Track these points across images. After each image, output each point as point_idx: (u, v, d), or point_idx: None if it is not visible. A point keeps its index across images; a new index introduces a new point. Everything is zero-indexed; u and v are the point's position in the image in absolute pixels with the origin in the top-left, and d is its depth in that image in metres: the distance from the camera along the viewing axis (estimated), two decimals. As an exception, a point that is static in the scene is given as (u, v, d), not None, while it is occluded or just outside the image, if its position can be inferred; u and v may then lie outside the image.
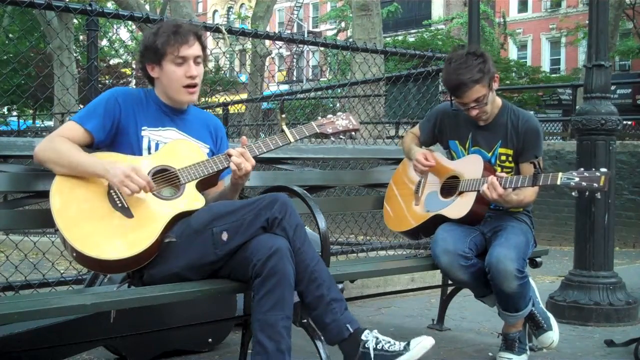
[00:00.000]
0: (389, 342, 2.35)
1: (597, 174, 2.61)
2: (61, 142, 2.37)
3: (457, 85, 2.88)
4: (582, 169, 2.68)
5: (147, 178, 2.32)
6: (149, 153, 2.47)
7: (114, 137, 2.47)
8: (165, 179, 2.42)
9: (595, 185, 2.60)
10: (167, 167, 2.43)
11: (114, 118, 2.45)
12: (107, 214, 2.29)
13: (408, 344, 2.33)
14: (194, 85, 2.52)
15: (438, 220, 3.01)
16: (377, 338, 2.35)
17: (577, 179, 2.63)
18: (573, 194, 2.69)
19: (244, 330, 2.76)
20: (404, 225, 3.18)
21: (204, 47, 2.56)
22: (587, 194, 2.65)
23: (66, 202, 2.28)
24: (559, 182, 2.67)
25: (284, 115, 2.66)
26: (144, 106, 2.53)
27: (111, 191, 2.33)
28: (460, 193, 2.96)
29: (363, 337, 2.35)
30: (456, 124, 3.11)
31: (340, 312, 2.35)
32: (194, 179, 2.43)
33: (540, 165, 2.86)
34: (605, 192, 2.65)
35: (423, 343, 2.33)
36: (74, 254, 2.24)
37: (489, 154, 3.03)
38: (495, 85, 2.96)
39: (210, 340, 3.19)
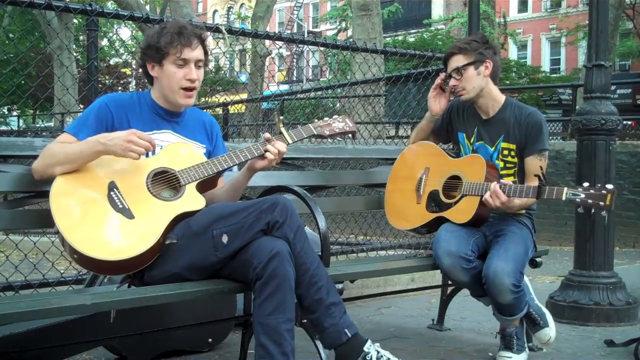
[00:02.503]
0: (390, 358, 2.37)
1: (603, 191, 2.58)
2: (53, 146, 2.37)
3: (446, 54, 3.13)
4: (587, 184, 2.65)
5: (148, 137, 2.32)
6: (147, 157, 2.46)
7: None
8: (165, 181, 2.42)
9: (602, 204, 2.58)
10: (166, 169, 2.43)
11: (107, 126, 2.44)
12: (107, 215, 2.29)
13: None
14: (192, 89, 2.52)
15: (441, 220, 3.01)
16: (379, 352, 2.37)
17: (582, 196, 2.61)
18: (579, 209, 2.67)
19: (244, 330, 2.76)
20: (407, 224, 3.19)
21: (206, 52, 2.56)
22: (593, 211, 2.63)
23: (66, 204, 2.28)
24: (564, 198, 2.65)
25: (281, 117, 2.68)
26: (137, 111, 2.52)
27: (111, 192, 2.33)
28: (463, 196, 2.96)
29: (365, 349, 2.35)
30: (465, 117, 3.16)
31: (339, 317, 2.36)
32: (194, 180, 2.43)
33: (543, 169, 2.85)
34: (611, 211, 2.62)
35: None
36: (75, 256, 2.24)
37: (492, 149, 3.05)
38: (486, 72, 3.02)
39: (210, 340, 3.19)
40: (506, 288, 2.77)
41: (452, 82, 3.06)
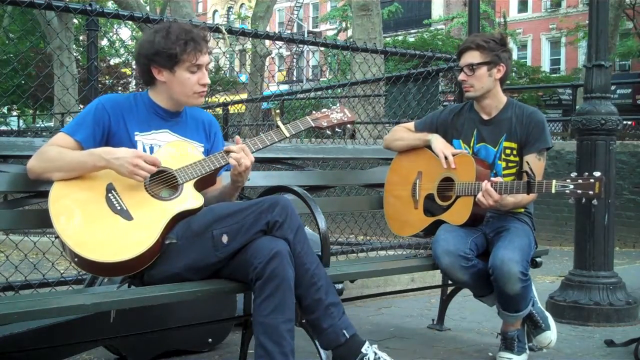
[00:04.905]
0: None
1: (591, 180, 2.59)
2: (52, 149, 2.36)
3: (461, 46, 3.10)
4: (575, 174, 2.66)
5: (152, 159, 2.32)
6: None
7: (106, 145, 2.44)
8: (163, 180, 2.42)
9: (591, 192, 2.59)
10: (164, 168, 2.42)
11: (104, 127, 2.44)
12: (106, 217, 2.28)
13: None
14: (204, 91, 2.53)
15: (440, 223, 3.01)
16: (376, 354, 2.36)
17: (571, 187, 2.62)
18: (570, 201, 2.68)
19: (244, 330, 2.76)
20: (407, 231, 3.22)
21: (210, 52, 2.56)
22: (583, 201, 2.64)
23: (65, 207, 2.28)
24: (553, 191, 2.66)
25: (278, 111, 2.66)
26: (134, 111, 2.51)
27: (109, 194, 2.33)
28: (457, 197, 2.96)
29: (363, 350, 2.35)
30: (460, 124, 3.14)
31: (338, 317, 2.36)
32: (192, 178, 2.43)
33: (540, 168, 2.85)
34: (601, 198, 2.63)
35: None
36: (76, 259, 2.23)
37: (495, 149, 3.05)
38: (497, 75, 3.02)
39: (210, 340, 3.19)
40: (514, 276, 2.76)
41: (461, 76, 3.05)
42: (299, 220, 2.38)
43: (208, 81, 2.51)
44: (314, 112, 2.74)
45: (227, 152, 2.47)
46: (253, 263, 2.24)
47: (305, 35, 18.25)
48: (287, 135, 2.59)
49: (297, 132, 2.63)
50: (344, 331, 2.35)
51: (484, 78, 3.01)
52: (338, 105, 2.83)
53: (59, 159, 2.33)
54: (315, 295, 2.34)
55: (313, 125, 2.68)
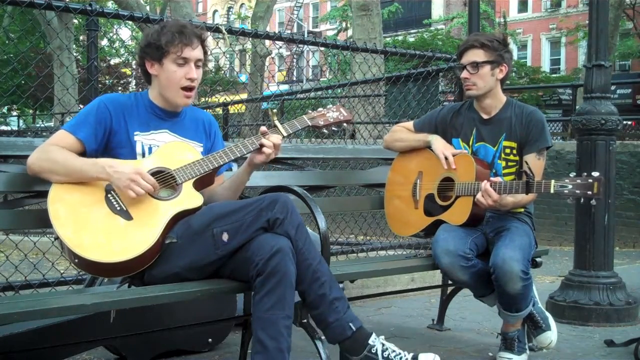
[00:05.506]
0: (395, 351, 2.37)
1: (590, 180, 2.59)
2: (55, 151, 2.35)
3: (465, 44, 3.08)
4: (573, 174, 2.66)
5: (152, 180, 2.32)
6: (143, 157, 2.47)
7: (107, 144, 2.46)
8: (162, 181, 2.42)
9: (589, 192, 2.59)
10: (162, 168, 2.43)
11: (106, 126, 2.44)
12: (106, 218, 2.28)
13: (416, 357, 2.37)
14: (191, 89, 2.52)
15: (439, 223, 3.01)
16: (384, 345, 2.37)
17: (570, 187, 2.62)
18: (568, 201, 2.68)
19: (244, 330, 2.76)
20: (408, 231, 3.22)
21: (205, 51, 2.56)
22: (582, 201, 2.65)
23: (65, 209, 2.28)
24: (552, 191, 2.66)
25: (275, 110, 2.68)
26: (135, 111, 2.52)
27: (109, 195, 2.32)
28: (457, 197, 2.96)
29: (370, 342, 2.36)
30: (459, 123, 3.14)
31: (343, 311, 2.36)
32: (190, 178, 2.43)
33: (540, 168, 2.83)
34: (600, 198, 2.64)
35: None
36: (76, 260, 2.23)
37: (494, 148, 3.05)
38: (499, 75, 3.03)
39: (210, 340, 3.19)
40: (516, 275, 2.76)
41: (464, 74, 3.03)
42: (300, 217, 2.39)
43: (194, 76, 2.50)
44: (310, 111, 2.75)
45: (263, 134, 2.50)
46: (254, 260, 2.24)
47: (305, 35, 18.27)
48: (285, 134, 2.60)
49: (294, 131, 2.64)
50: (350, 324, 2.35)
51: (487, 77, 3.01)
52: (335, 104, 2.85)
53: (62, 164, 2.32)
54: (319, 290, 2.34)
55: (310, 124, 2.69)
